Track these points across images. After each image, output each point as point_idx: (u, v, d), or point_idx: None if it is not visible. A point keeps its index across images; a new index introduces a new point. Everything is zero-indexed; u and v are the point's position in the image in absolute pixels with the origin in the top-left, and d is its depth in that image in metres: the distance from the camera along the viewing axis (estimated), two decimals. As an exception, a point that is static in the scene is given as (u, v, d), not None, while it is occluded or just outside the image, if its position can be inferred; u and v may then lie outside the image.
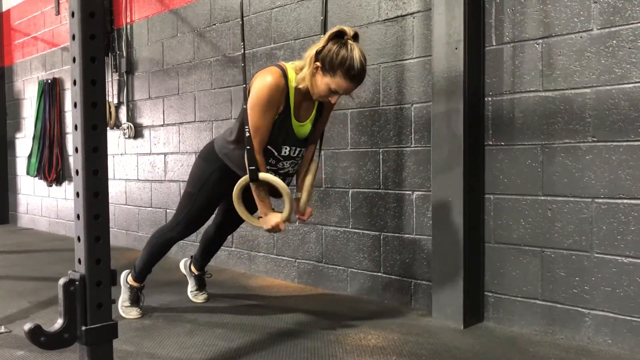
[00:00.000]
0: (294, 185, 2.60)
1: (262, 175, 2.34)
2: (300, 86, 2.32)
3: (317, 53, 2.24)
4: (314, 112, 2.45)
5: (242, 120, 2.38)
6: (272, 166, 2.43)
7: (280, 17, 3.52)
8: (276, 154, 2.41)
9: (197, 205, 2.59)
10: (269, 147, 2.38)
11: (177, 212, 2.66)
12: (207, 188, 2.57)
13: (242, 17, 2.53)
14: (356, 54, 2.21)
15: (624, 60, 2.22)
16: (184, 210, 2.62)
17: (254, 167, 2.32)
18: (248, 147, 2.31)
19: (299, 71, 2.32)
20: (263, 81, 2.28)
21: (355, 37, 2.26)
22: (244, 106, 2.34)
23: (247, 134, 2.30)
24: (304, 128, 2.44)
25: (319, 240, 3.36)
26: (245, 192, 2.43)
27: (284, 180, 2.45)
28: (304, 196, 2.54)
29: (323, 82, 2.26)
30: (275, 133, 2.36)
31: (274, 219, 2.40)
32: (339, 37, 2.23)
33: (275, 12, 3.55)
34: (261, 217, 2.44)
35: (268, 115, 2.30)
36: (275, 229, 2.42)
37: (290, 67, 2.35)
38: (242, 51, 2.42)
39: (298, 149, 2.45)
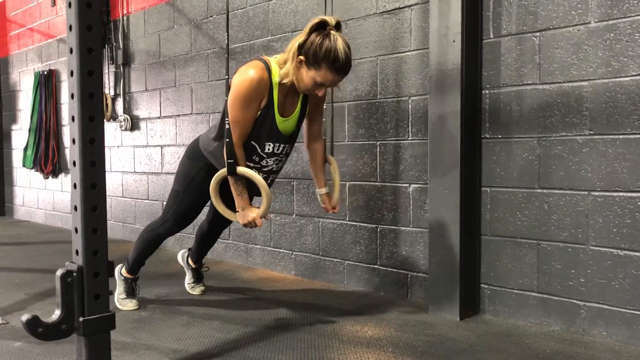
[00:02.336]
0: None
1: (240, 169, 2.31)
2: (285, 81, 2.27)
3: (300, 46, 2.20)
4: (298, 106, 2.42)
5: (223, 114, 2.36)
6: (255, 164, 2.40)
7: (278, 9, 3.50)
8: (259, 150, 2.37)
9: (184, 203, 2.59)
10: (252, 142, 2.35)
11: (165, 209, 2.66)
12: (193, 187, 2.56)
13: (228, 10, 2.48)
14: (340, 44, 2.17)
15: (622, 54, 2.22)
16: (172, 207, 2.62)
17: (232, 161, 2.29)
18: (227, 140, 2.28)
19: (282, 65, 2.28)
20: (245, 75, 2.24)
21: (338, 26, 2.22)
22: (225, 98, 2.30)
23: (227, 126, 2.27)
24: (288, 123, 2.41)
25: (316, 233, 3.36)
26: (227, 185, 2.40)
27: (267, 178, 2.44)
28: (336, 192, 2.62)
29: (308, 75, 2.23)
30: (258, 129, 2.33)
31: (251, 214, 2.36)
32: (321, 28, 2.20)
33: (273, 4, 3.54)
34: (238, 211, 2.40)
35: (249, 109, 2.27)
36: (251, 224, 2.38)
37: (273, 61, 2.31)
38: (226, 42, 2.38)
39: (282, 146, 2.42)
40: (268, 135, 2.36)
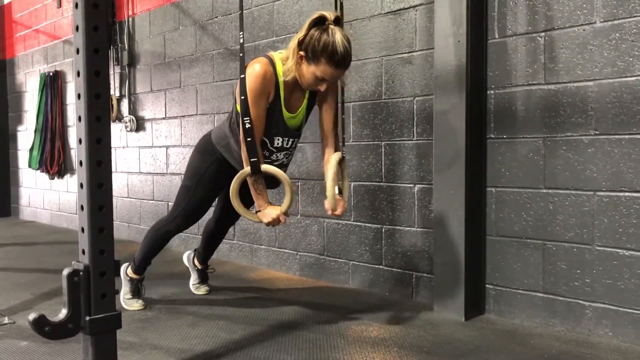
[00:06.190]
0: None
1: (265, 166, 2.31)
2: (288, 78, 2.30)
3: (300, 42, 2.23)
4: (304, 101, 2.44)
5: (236, 113, 2.36)
6: (266, 158, 2.42)
7: (283, 10, 3.51)
8: (269, 145, 2.40)
9: (194, 199, 2.59)
10: (263, 138, 2.37)
11: (175, 206, 2.66)
12: (204, 182, 2.56)
13: (242, 7, 2.42)
14: (338, 38, 2.18)
15: (627, 53, 2.21)
16: (181, 203, 2.62)
17: (256, 159, 2.28)
18: (249, 139, 2.25)
19: (285, 61, 2.31)
20: (252, 71, 2.27)
21: (337, 21, 2.24)
22: (242, 97, 2.25)
23: (248, 126, 2.24)
24: (295, 119, 2.43)
25: (321, 233, 3.37)
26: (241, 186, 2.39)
27: None
28: (330, 190, 2.35)
29: (309, 71, 2.25)
30: (268, 124, 2.35)
31: (274, 211, 2.33)
32: (320, 23, 2.22)
33: (278, 4, 3.54)
34: (259, 210, 2.37)
35: (261, 104, 2.28)
36: (275, 222, 2.35)
37: (277, 56, 2.34)
38: (241, 40, 2.33)
39: (291, 140, 2.45)
40: (277, 130, 2.38)
